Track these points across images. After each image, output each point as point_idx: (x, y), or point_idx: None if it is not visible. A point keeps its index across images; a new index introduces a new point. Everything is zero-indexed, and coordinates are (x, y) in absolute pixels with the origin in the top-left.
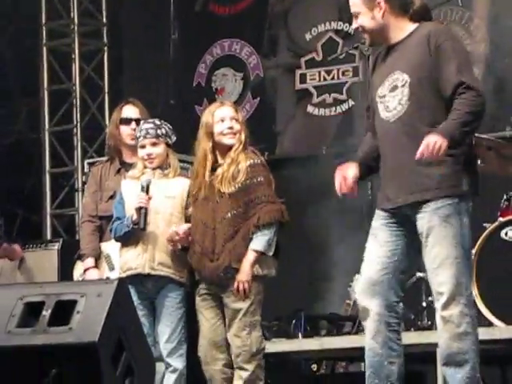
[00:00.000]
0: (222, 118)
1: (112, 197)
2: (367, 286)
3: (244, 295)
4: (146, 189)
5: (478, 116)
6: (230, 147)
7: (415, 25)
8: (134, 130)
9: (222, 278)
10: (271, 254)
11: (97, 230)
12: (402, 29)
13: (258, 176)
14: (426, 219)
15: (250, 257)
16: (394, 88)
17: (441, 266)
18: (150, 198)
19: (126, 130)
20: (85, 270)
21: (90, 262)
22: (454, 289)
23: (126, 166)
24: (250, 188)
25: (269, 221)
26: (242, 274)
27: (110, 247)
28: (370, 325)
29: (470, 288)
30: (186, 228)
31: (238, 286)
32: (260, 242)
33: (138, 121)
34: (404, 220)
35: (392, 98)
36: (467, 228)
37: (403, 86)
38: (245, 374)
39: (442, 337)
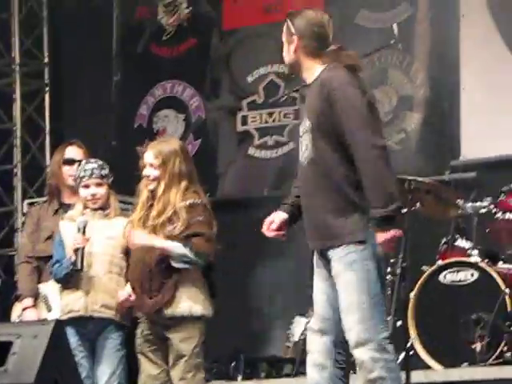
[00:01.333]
0: (145, 164)
1: (50, 237)
2: (318, 322)
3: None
4: (82, 230)
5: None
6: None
7: (321, 68)
8: None
9: (164, 317)
10: (178, 265)
11: (34, 271)
12: (311, 71)
13: (197, 215)
14: (334, 265)
15: (158, 240)
16: (304, 132)
17: (347, 312)
18: (87, 240)
19: (68, 171)
20: (23, 309)
21: (28, 301)
22: (360, 335)
23: (65, 207)
24: (187, 227)
25: (198, 250)
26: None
27: (48, 288)
28: (316, 359)
29: (382, 332)
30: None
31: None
32: (175, 245)
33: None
34: (327, 260)
35: (303, 141)
36: (374, 273)
37: (307, 131)
38: None
39: (358, 381)
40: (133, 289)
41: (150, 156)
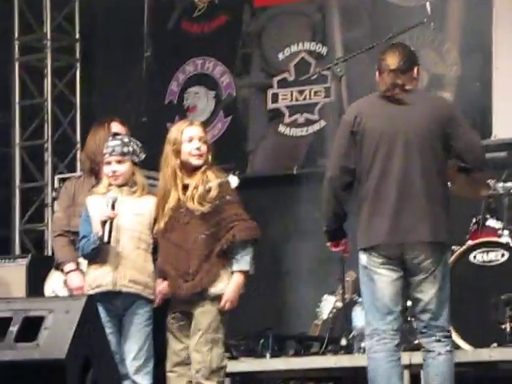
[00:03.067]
0: (190, 138)
1: None
2: None
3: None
4: (111, 205)
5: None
6: (195, 167)
7: None
8: None
9: (195, 298)
10: (252, 272)
11: (71, 244)
12: None
13: (227, 195)
14: None
15: (237, 278)
16: None
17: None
18: (115, 214)
19: None
20: (67, 273)
21: (71, 266)
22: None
23: None
24: (220, 207)
25: (244, 238)
26: (230, 294)
27: (84, 263)
28: None
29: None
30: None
31: (224, 305)
32: (243, 262)
33: None
34: None
35: None
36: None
37: None
38: None
39: None
40: (166, 272)
41: (198, 130)
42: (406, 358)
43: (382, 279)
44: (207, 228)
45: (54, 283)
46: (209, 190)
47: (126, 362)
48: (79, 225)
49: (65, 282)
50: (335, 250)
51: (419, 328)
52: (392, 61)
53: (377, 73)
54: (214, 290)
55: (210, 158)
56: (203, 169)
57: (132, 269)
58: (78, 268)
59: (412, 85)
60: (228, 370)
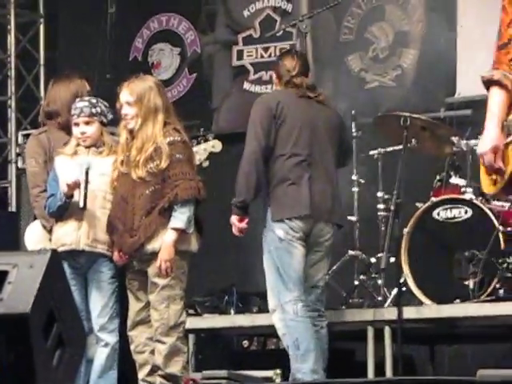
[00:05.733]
0: (121, 103)
1: None
2: None
3: (166, 273)
4: (85, 172)
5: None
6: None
7: None
8: None
9: (142, 254)
10: (191, 231)
11: None
12: None
13: (177, 153)
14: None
15: (170, 236)
16: None
17: None
18: (88, 182)
19: None
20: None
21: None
22: None
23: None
24: (169, 165)
25: (186, 198)
26: (162, 252)
27: None
28: None
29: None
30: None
31: (160, 264)
32: (179, 220)
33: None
34: None
35: None
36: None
37: None
38: (163, 347)
39: None
40: (114, 226)
41: (125, 95)
42: (370, 314)
43: (294, 251)
44: (153, 184)
45: (37, 236)
46: (156, 150)
47: (92, 319)
48: None
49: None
50: (239, 225)
51: None
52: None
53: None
54: (149, 246)
55: (140, 120)
56: (139, 130)
57: (96, 228)
58: None
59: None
60: (192, 326)
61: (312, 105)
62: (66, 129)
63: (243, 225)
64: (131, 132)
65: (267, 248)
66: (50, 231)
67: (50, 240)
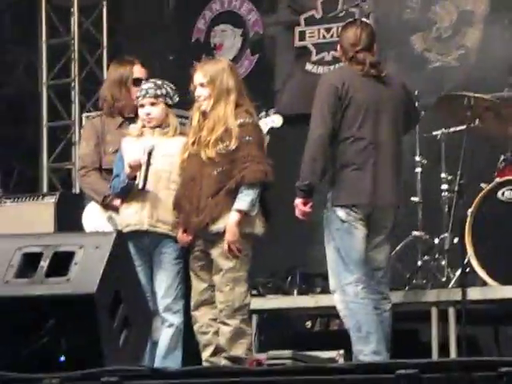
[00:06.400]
0: (195, 85)
1: (117, 151)
2: None
3: (234, 254)
4: (148, 153)
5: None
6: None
7: None
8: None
9: (207, 234)
10: (254, 213)
11: (104, 180)
12: None
13: (247, 135)
14: None
15: (234, 217)
16: None
17: None
18: (150, 164)
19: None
20: (121, 204)
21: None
22: None
23: (128, 121)
24: (238, 147)
25: (252, 181)
26: (228, 234)
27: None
28: None
29: None
30: None
31: (228, 246)
32: (243, 202)
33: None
34: None
35: None
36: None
37: None
38: (227, 329)
39: None
40: (181, 205)
41: (198, 76)
42: (434, 295)
43: (356, 232)
44: (222, 165)
45: (95, 220)
46: (227, 131)
47: (157, 300)
48: (110, 162)
49: (109, 218)
50: (303, 209)
51: None
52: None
53: None
54: (214, 227)
55: (212, 101)
56: (222, 110)
57: (161, 209)
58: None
59: None
60: (255, 307)
61: (376, 85)
62: (116, 112)
63: (307, 208)
64: (204, 114)
65: (328, 229)
66: (103, 206)
67: (110, 219)
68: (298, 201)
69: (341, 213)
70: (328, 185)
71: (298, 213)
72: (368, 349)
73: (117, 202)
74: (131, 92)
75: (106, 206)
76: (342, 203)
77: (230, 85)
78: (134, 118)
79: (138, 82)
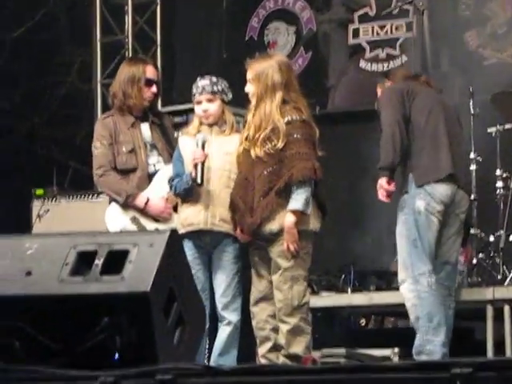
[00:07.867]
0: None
1: (132, 150)
2: None
3: (293, 254)
4: (201, 146)
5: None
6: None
7: None
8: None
9: (260, 234)
10: (309, 211)
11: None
12: None
13: (295, 133)
14: None
15: (290, 218)
16: None
17: None
18: (205, 155)
19: (148, 92)
20: (146, 203)
21: (144, 196)
22: None
23: (139, 119)
24: (286, 145)
25: (301, 179)
26: (286, 235)
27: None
28: None
29: None
30: None
31: (287, 247)
32: (297, 201)
33: (157, 84)
34: None
35: None
36: None
37: None
38: (286, 328)
39: None
40: (236, 205)
41: (248, 73)
42: (490, 293)
43: (432, 224)
44: (271, 165)
45: (119, 221)
46: (274, 130)
47: (216, 298)
48: (124, 162)
49: (133, 219)
50: (388, 188)
51: None
52: None
53: None
54: (267, 227)
55: (256, 97)
56: (267, 106)
57: (222, 207)
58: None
59: None
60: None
61: (433, 92)
62: (126, 110)
63: (391, 187)
64: (253, 110)
65: (403, 217)
66: (125, 206)
67: (134, 220)
68: (383, 180)
69: (420, 202)
70: (404, 171)
71: (381, 194)
72: (438, 340)
73: (139, 202)
74: (142, 91)
75: (127, 206)
76: (424, 181)
77: (275, 81)
78: (144, 117)
79: (149, 82)
